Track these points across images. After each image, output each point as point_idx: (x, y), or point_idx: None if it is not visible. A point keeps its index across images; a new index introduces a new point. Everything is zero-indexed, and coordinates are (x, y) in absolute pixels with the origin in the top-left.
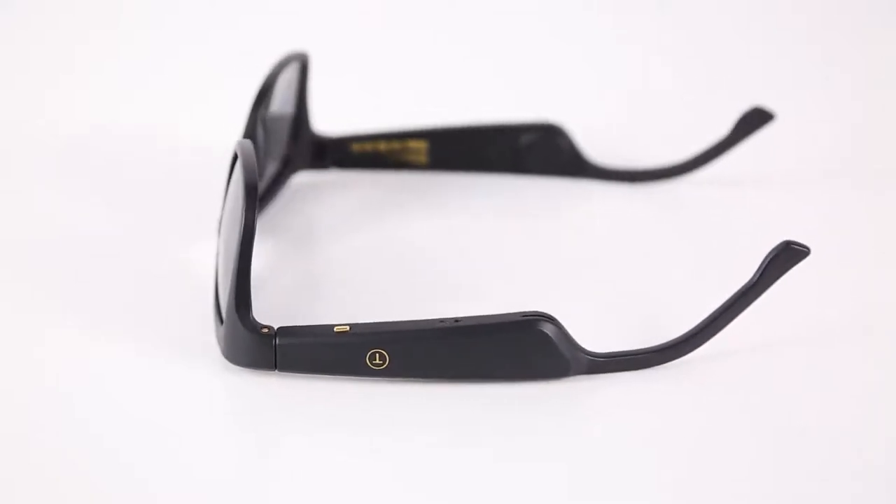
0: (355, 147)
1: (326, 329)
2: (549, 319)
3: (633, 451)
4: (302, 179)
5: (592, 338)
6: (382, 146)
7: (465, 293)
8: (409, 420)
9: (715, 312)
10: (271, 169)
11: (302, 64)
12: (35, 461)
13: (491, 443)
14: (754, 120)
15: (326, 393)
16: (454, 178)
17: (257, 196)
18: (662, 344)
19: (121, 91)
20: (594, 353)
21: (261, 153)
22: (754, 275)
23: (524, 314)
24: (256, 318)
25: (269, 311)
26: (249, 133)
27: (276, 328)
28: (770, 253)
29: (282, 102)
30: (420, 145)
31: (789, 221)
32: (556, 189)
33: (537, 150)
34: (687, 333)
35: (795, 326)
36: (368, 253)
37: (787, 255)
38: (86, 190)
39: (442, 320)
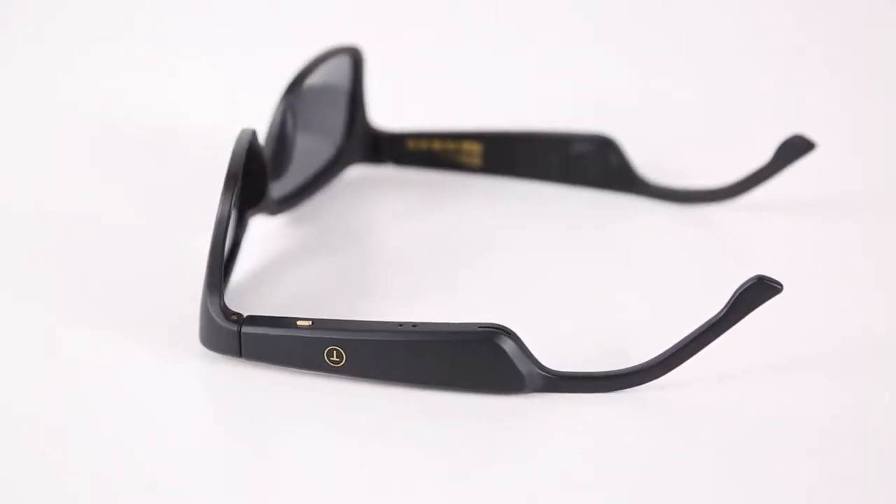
0: (410, 144)
1: (290, 322)
2: (507, 333)
3: (574, 475)
4: (357, 173)
5: (573, 354)
6: (437, 145)
7: (467, 298)
8: (355, 421)
9: (679, 344)
10: (320, 159)
11: (354, 57)
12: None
13: (427, 453)
14: (795, 148)
15: (290, 387)
16: (504, 183)
17: (236, 185)
18: (623, 369)
19: (154, 77)
20: (553, 371)
21: (291, 142)
22: (723, 308)
23: (481, 325)
24: (227, 304)
25: (272, 299)
26: (277, 120)
27: (245, 316)
28: (740, 287)
29: (333, 93)
30: (474, 147)
31: (811, 250)
32: (599, 202)
33: (588, 162)
34: (648, 362)
35: (771, 358)
36: (392, 251)
37: (757, 291)
38: (105, 177)
39: (401, 324)
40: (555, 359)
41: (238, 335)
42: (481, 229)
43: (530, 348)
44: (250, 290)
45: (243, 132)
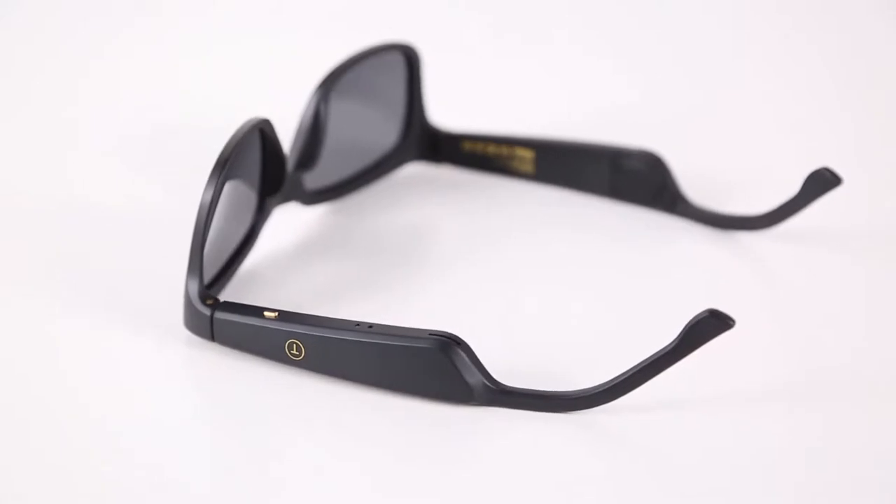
0: (466, 145)
1: (257, 311)
2: (457, 343)
3: (499, 493)
4: (414, 170)
5: (546, 370)
6: (491, 149)
7: (467, 305)
8: (305, 414)
9: (627, 372)
10: (372, 154)
11: (408, 55)
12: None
13: (357, 452)
14: (822, 181)
15: (256, 375)
16: (551, 192)
17: (223, 172)
18: (571, 392)
19: (196, 67)
20: (503, 386)
21: (331, 134)
22: (673, 340)
23: (432, 333)
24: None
25: (279, 288)
26: (311, 111)
27: (220, 302)
28: (692, 320)
29: (385, 89)
30: (527, 154)
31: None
32: (640, 220)
33: (635, 178)
34: (595, 387)
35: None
36: (417, 252)
37: (707, 325)
38: (128, 165)
39: (358, 324)
40: (525, 373)
41: (210, 320)
42: (510, 238)
43: (509, 360)
44: (261, 277)
45: (250, 120)
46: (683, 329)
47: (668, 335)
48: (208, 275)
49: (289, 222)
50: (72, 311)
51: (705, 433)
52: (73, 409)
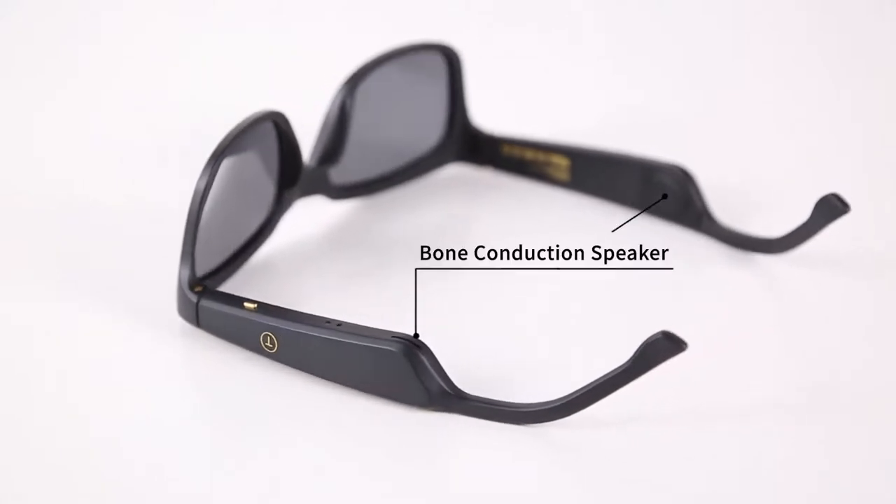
0: (505, 149)
1: (238, 302)
2: (418, 346)
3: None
4: (455, 171)
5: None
6: (529, 154)
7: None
8: (272, 405)
9: (580, 390)
10: (409, 153)
11: (448, 56)
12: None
13: (310, 449)
14: (830, 207)
15: (238, 363)
16: (582, 200)
17: (218, 161)
18: (526, 404)
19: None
20: (461, 392)
21: (362, 130)
22: (627, 360)
23: (394, 335)
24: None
25: (281, 281)
26: (337, 106)
27: (207, 290)
28: (645, 341)
29: (423, 89)
30: (562, 162)
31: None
32: (661, 233)
33: (662, 192)
34: (549, 402)
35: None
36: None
37: (659, 346)
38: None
39: (328, 321)
40: (496, 381)
41: (196, 307)
42: (525, 244)
43: (488, 366)
44: (274, 268)
45: (257, 112)
46: (637, 350)
47: None
48: (210, 263)
49: (314, 216)
50: (71, 310)
51: (659, 452)
52: (71, 409)
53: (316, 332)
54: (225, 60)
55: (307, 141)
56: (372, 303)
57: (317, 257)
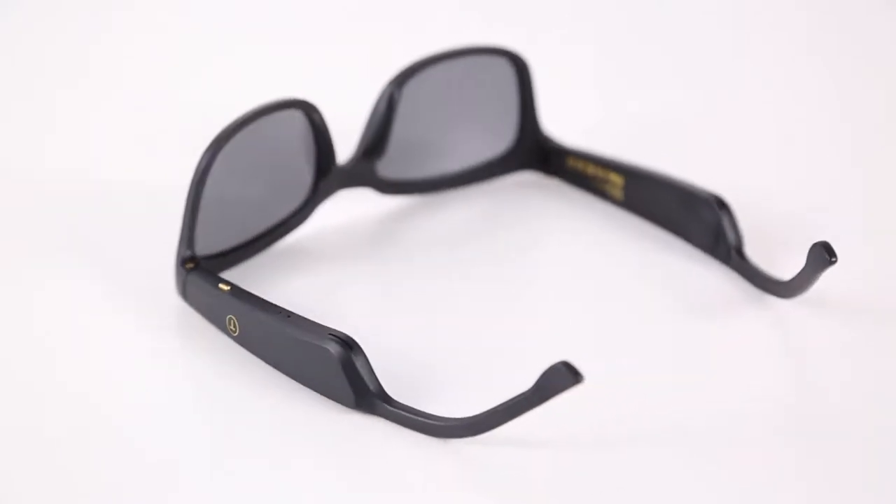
0: (570, 161)
1: (215, 282)
2: (350, 346)
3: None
4: (524, 179)
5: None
6: (590, 170)
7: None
8: (227, 388)
9: (484, 413)
10: (473, 156)
11: (515, 61)
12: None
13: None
14: (820, 256)
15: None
16: (632, 222)
17: (221, 144)
18: (440, 418)
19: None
20: (387, 397)
21: (415, 127)
22: (529, 388)
23: (331, 333)
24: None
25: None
26: (386, 99)
27: (195, 267)
28: (546, 370)
29: (491, 94)
30: (618, 180)
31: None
32: (692, 257)
33: (699, 221)
34: (456, 420)
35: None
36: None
37: (557, 376)
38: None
39: (280, 310)
40: (449, 389)
41: (184, 282)
42: (545, 261)
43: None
44: (296, 256)
45: (278, 99)
46: (538, 379)
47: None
48: (220, 244)
49: (354, 209)
50: (72, 299)
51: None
52: (71, 398)
53: (266, 321)
54: (258, 61)
55: (344, 136)
56: (372, 302)
57: (350, 250)
